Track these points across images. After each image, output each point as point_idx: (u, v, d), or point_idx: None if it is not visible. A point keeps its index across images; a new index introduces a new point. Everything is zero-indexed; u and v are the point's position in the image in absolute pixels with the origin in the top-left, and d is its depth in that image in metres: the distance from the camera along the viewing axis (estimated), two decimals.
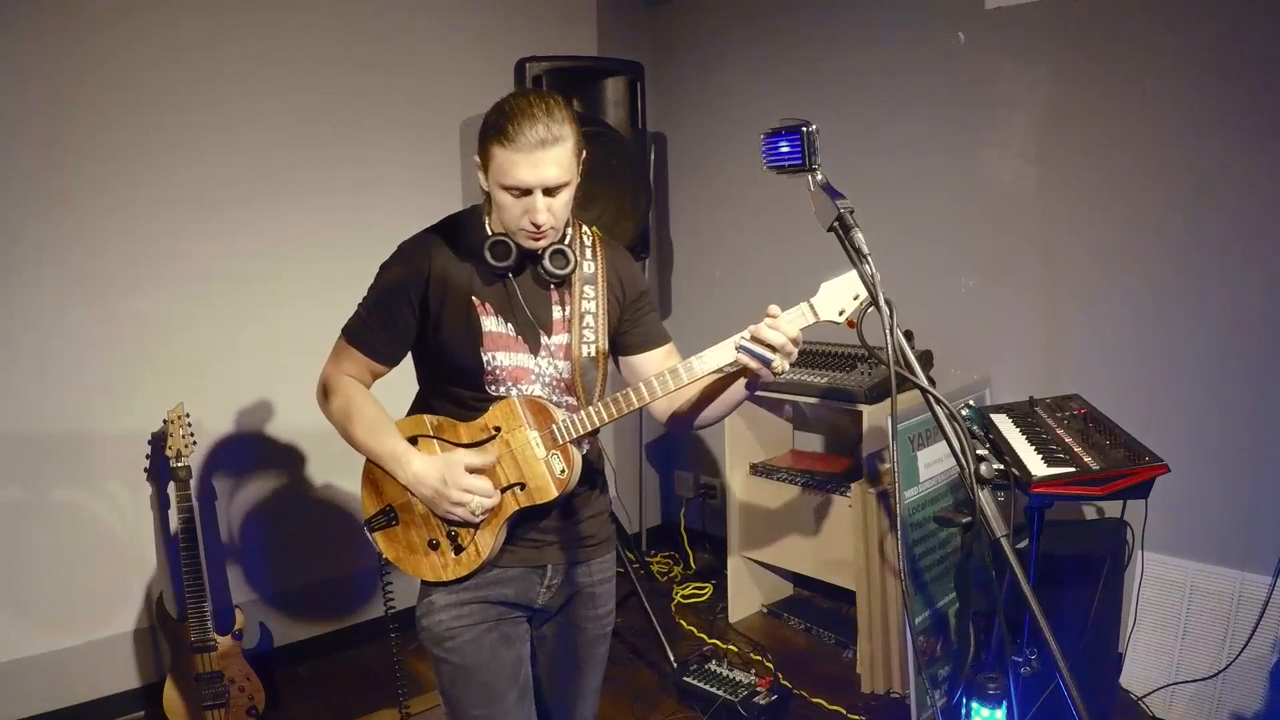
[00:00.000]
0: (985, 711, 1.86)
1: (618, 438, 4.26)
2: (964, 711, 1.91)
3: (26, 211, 2.69)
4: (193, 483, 2.70)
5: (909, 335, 2.55)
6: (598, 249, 1.76)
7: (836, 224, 1.50)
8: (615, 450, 4.27)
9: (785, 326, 1.52)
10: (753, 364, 1.54)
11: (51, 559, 2.82)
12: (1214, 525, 2.66)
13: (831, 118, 3.31)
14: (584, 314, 1.71)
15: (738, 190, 3.84)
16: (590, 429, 1.64)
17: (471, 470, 1.65)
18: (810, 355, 3.31)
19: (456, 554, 1.70)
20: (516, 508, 1.68)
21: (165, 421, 2.69)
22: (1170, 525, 2.60)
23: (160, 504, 2.95)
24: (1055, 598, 2.22)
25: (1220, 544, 2.64)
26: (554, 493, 1.65)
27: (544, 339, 1.71)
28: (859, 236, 1.51)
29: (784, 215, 3.56)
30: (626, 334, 1.79)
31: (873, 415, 2.97)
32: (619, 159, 3.25)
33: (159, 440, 2.84)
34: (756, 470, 3.47)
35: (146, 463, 2.90)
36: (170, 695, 2.73)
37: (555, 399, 1.72)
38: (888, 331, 1.42)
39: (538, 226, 1.60)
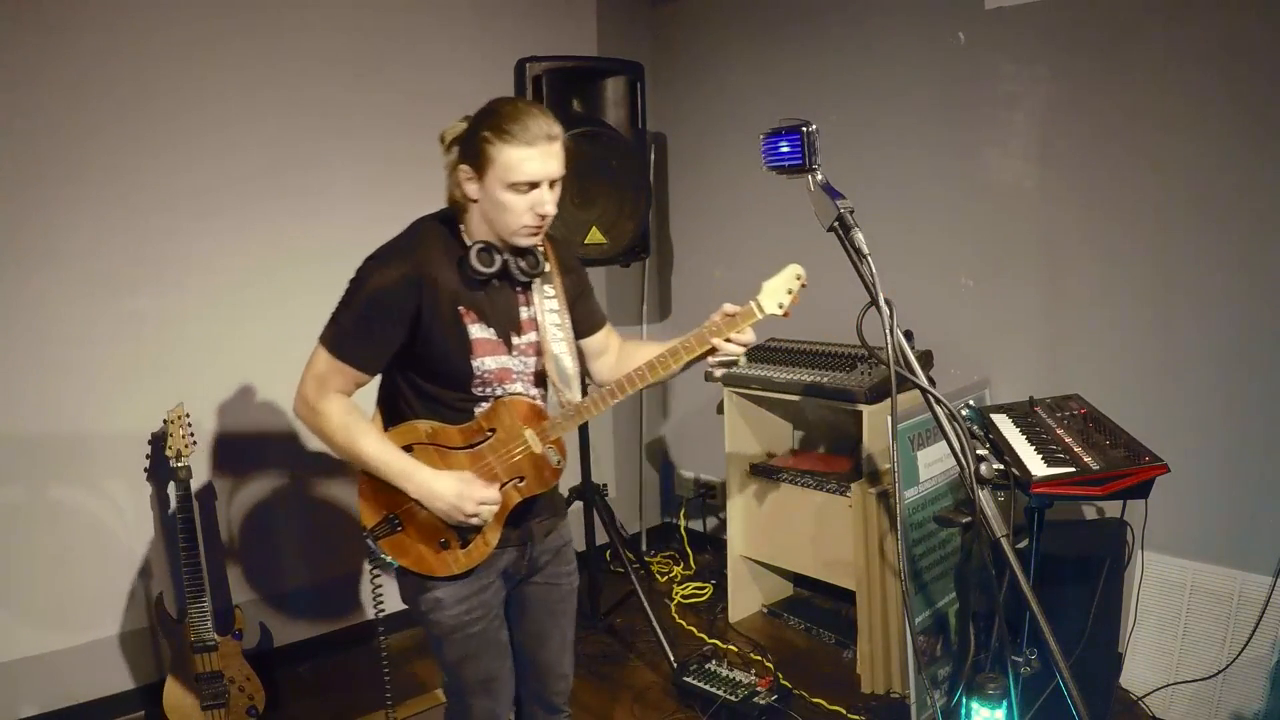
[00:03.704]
0: (985, 711, 1.86)
1: (618, 438, 4.26)
2: (964, 711, 1.91)
3: (25, 211, 2.69)
4: (193, 483, 2.70)
5: (909, 335, 2.55)
6: (546, 245, 1.85)
7: (836, 224, 1.51)
8: (615, 450, 4.27)
9: (744, 338, 1.81)
10: (722, 371, 1.84)
11: (51, 559, 2.81)
12: (1214, 525, 2.66)
13: (831, 118, 3.35)
14: (548, 311, 1.83)
15: (738, 190, 3.84)
16: (579, 422, 1.78)
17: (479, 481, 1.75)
18: (810, 355, 3.31)
19: (464, 548, 1.78)
20: (519, 499, 1.79)
21: (165, 421, 2.69)
22: (1170, 525, 2.60)
23: (160, 504, 2.96)
24: (1055, 598, 2.21)
25: (1220, 544, 2.64)
26: (552, 483, 1.82)
27: (514, 339, 1.80)
28: (859, 236, 1.51)
29: (784, 215, 3.56)
30: (574, 319, 1.93)
31: (873, 415, 2.97)
32: (619, 159, 3.25)
33: (159, 440, 2.84)
34: (756, 470, 3.47)
35: (146, 463, 2.91)
36: (170, 695, 2.73)
37: (534, 392, 1.83)
38: (888, 331, 1.42)
39: (543, 219, 1.69)
